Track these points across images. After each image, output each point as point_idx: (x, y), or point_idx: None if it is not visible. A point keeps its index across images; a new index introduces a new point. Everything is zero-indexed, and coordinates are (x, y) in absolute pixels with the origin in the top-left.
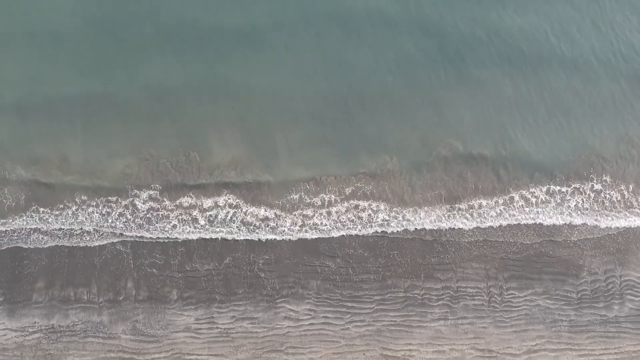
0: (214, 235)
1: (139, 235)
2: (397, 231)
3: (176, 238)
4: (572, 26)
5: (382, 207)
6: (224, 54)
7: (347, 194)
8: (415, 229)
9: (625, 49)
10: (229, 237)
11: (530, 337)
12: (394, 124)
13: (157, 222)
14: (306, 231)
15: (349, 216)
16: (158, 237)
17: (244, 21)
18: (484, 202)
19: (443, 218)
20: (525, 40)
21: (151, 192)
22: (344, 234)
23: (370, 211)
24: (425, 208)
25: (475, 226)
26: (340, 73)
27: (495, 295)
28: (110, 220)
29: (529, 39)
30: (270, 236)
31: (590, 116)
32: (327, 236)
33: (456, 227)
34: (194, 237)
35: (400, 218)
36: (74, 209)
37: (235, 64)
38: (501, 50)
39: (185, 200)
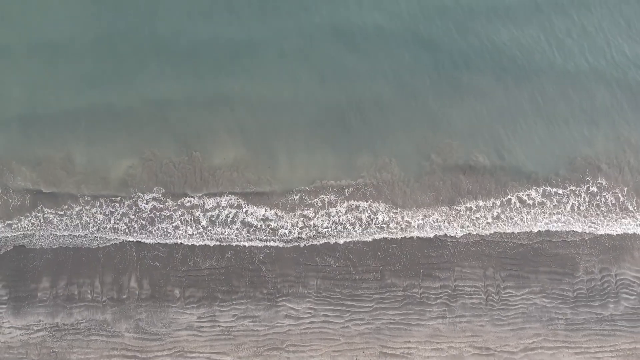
0: (215, 243)
1: (141, 239)
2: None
3: (181, 243)
4: (565, 32)
5: (381, 208)
6: (227, 62)
7: (347, 194)
8: (412, 236)
9: (617, 54)
10: (233, 243)
11: (527, 335)
12: (392, 128)
13: (160, 223)
14: (307, 235)
15: (349, 217)
16: (158, 242)
17: (251, 34)
18: (482, 204)
19: (440, 220)
20: (519, 46)
21: (154, 194)
22: (346, 240)
23: (369, 212)
24: (424, 210)
25: (475, 233)
26: (341, 80)
27: (492, 294)
28: (113, 221)
29: (523, 45)
30: (273, 243)
31: (583, 119)
32: (332, 242)
33: (456, 235)
34: (197, 242)
35: (400, 219)
36: (77, 209)
37: (238, 72)
38: (495, 57)
39: (188, 200)
